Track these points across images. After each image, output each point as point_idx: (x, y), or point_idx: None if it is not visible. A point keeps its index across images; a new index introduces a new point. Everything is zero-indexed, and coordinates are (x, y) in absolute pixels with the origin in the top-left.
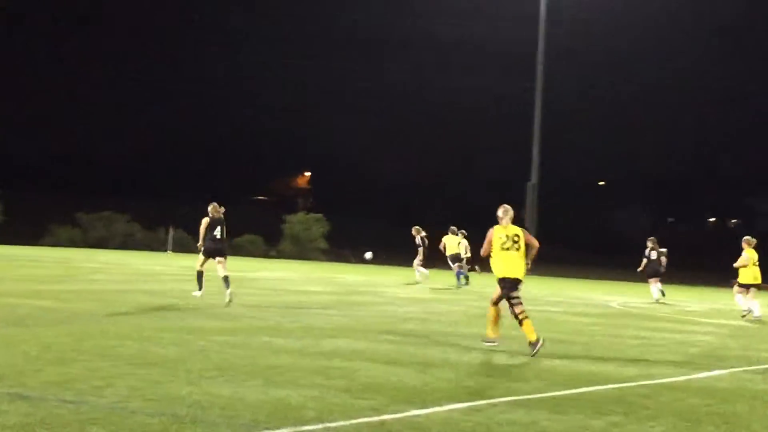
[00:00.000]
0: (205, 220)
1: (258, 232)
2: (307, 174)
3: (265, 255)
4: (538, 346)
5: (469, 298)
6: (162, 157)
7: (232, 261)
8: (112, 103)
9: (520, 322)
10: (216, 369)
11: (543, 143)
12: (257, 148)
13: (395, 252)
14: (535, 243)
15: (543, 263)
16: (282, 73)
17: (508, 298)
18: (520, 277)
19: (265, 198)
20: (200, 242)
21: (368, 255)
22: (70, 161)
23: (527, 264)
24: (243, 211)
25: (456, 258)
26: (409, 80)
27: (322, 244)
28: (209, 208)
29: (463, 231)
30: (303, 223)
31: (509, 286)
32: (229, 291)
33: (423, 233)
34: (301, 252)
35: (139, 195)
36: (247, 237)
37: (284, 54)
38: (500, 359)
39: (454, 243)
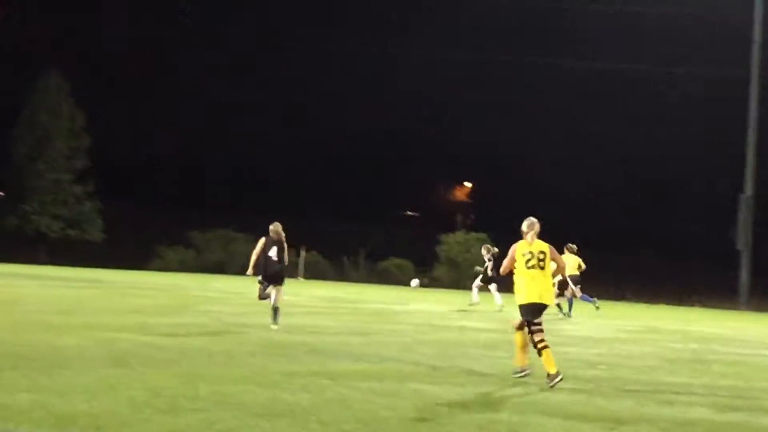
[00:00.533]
0: (261, 241)
1: (407, 255)
2: (468, 185)
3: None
4: (557, 379)
5: (664, 339)
6: (293, 166)
7: (377, 290)
8: (236, 104)
9: (539, 352)
10: (357, 421)
11: (761, 145)
12: (407, 153)
13: (584, 283)
14: (562, 262)
15: (758, 297)
16: (437, 67)
17: (529, 324)
18: (546, 303)
19: (416, 214)
20: (249, 268)
21: (414, 283)
22: (181, 171)
23: (553, 285)
24: (389, 229)
25: (577, 280)
26: (589, 71)
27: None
28: (271, 228)
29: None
30: (462, 244)
31: (533, 312)
32: (276, 325)
33: (495, 250)
34: (460, 279)
35: (264, 211)
36: (394, 261)
37: (440, 43)
38: (703, 413)
39: (575, 263)
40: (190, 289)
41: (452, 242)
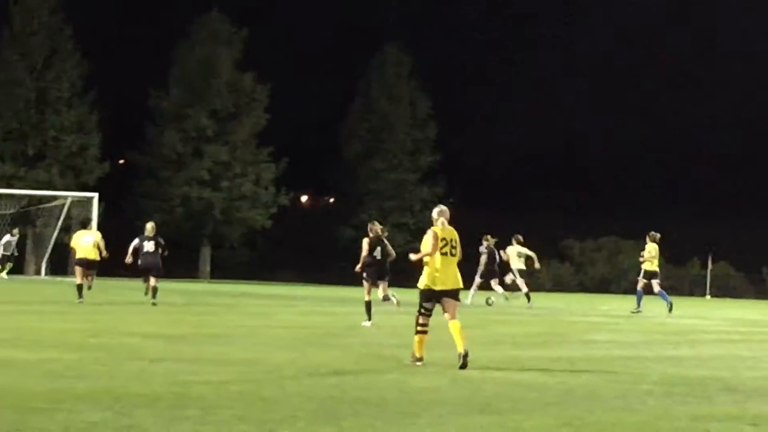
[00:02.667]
0: (366, 241)
1: None
2: None
3: None
4: (417, 363)
5: None
6: (682, 160)
7: None
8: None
9: (417, 334)
10: None
11: None
12: None
13: None
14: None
15: None
16: None
17: (425, 308)
18: (461, 287)
19: None
20: (359, 265)
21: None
22: (550, 170)
23: None
24: None
25: (653, 275)
26: None
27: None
28: (370, 227)
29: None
30: None
31: (436, 299)
32: (395, 300)
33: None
34: None
35: (661, 211)
36: None
37: None
38: None
39: (652, 255)
40: (569, 313)
41: None
